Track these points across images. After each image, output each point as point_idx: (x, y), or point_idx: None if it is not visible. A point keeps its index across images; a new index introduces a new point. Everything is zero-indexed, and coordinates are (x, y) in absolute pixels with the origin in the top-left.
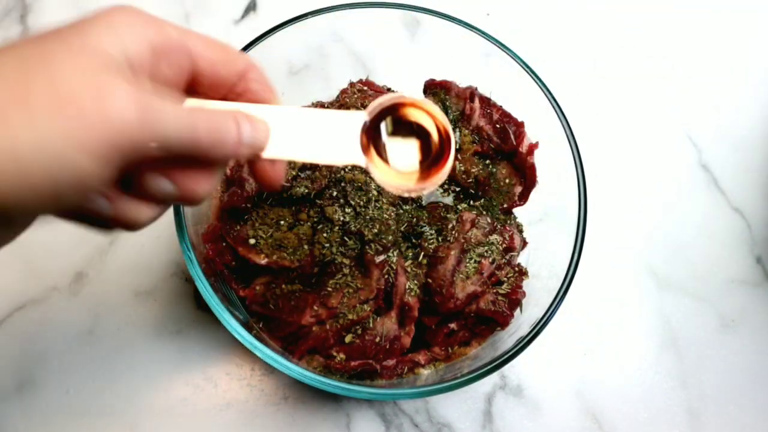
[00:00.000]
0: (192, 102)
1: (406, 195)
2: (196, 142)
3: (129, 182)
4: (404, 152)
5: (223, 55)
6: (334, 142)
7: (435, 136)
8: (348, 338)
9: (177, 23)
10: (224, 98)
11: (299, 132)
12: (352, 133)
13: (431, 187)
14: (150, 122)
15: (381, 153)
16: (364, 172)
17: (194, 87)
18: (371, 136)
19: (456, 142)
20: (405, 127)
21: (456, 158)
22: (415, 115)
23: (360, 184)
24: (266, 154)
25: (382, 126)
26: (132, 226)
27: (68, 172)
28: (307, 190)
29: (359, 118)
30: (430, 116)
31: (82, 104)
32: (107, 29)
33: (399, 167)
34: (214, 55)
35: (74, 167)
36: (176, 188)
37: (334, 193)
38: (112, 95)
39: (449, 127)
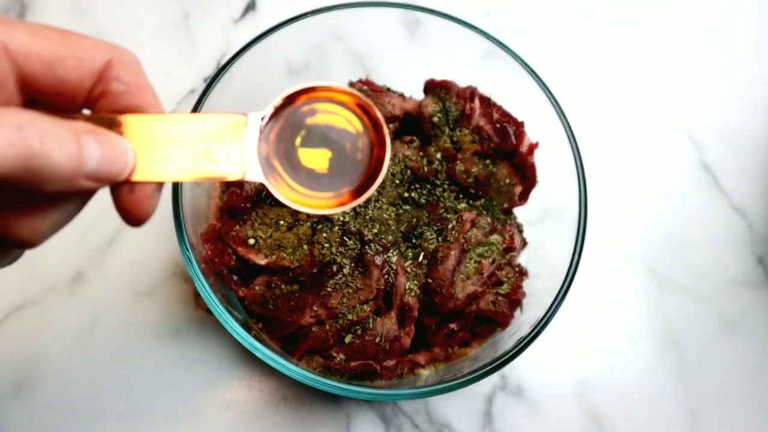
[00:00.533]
0: (19, 117)
1: (320, 213)
2: (6, 173)
3: None
4: (319, 162)
5: (62, 50)
6: (223, 153)
7: (362, 137)
8: (348, 339)
9: (176, 23)
10: (83, 108)
11: (174, 144)
12: (246, 141)
13: (354, 204)
14: None
15: (290, 162)
16: None
17: (34, 98)
18: (277, 141)
19: (390, 142)
20: (319, 130)
21: (456, 158)
22: (332, 112)
23: None
24: (133, 177)
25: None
26: None
27: None
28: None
29: (253, 119)
30: (354, 109)
31: None
32: None
33: (310, 186)
34: (47, 51)
35: None
36: None
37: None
38: None
39: (382, 124)
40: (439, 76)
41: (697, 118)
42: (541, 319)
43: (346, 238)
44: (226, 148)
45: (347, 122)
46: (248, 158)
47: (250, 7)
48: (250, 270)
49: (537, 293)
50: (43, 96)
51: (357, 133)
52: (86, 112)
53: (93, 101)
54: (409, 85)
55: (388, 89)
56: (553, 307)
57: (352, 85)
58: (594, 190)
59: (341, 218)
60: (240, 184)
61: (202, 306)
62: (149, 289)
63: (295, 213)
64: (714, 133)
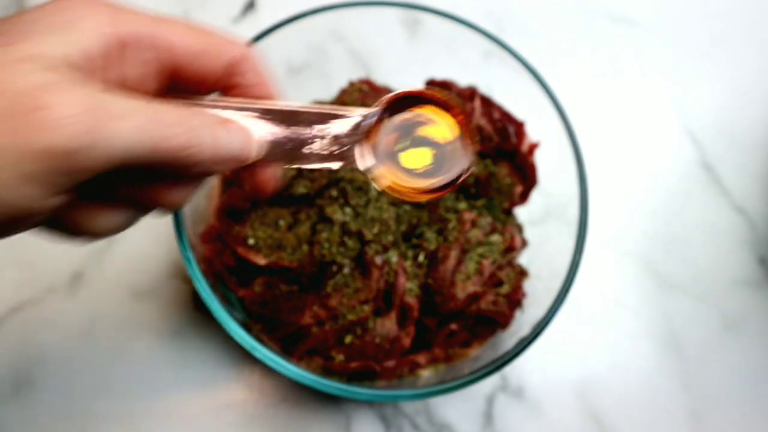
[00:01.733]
0: (158, 107)
1: (419, 200)
2: (159, 157)
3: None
4: (421, 161)
5: (207, 43)
6: (336, 144)
7: (450, 137)
8: (347, 339)
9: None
10: (212, 92)
11: (294, 133)
12: (356, 132)
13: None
14: (99, 136)
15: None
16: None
17: (176, 83)
18: (377, 136)
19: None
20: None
21: None
22: (428, 119)
23: (360, 184)
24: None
25: (388, 125)
26: (94, 236)
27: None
28: (306, 190)
29: (370, 115)
30: (445, 114)
31: (17, 124)
32: (49, 26)
33: (409, 168)
34: (196, 45)
35: (9, 198)
36: (142, 199)
37: (334, 193)
38: (52, 109)
39: (468, 124)
40: (439, 76)
41: (698, 118)
42: (542, 320)
43: (346, 238)
44: (341, 138)
45: (446, 127)
46: (363, 149)
47: (250, 7)
48: (250, 270)
49: (537, 293)
50: (186, 83)
51: (454, 137)
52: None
53: (224, 89)
54: (409, 85)
55: (389, 89)
56: (554, 308)
57: (352, 84)
58: (595, 190)
59: (341, 218)
60: (240, 183)
61: (202, 306)
62: (149, 289)
63: (295, 213)
64: (715, 132)
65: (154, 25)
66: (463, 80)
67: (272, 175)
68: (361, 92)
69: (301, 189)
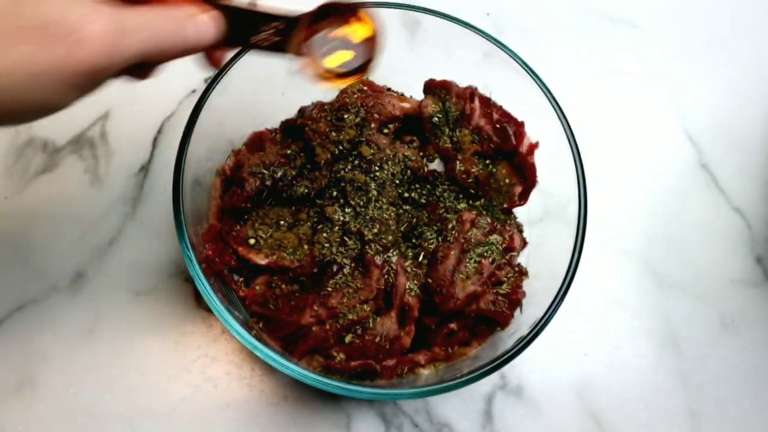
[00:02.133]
0: (153, 19)
1: (337, 83)
2: (161, 53)
3: None
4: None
5: None
6: (276, 35)
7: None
8: (348, 338)
9: None
10: None
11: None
12: (293, 29)
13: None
14: (118, 50)
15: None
16: (365, 172)
17: None
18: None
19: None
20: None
21: (456, 158)
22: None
23: (360, 184)
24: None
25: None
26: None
27: (37, 97)
28: (307, 190)
29: (303, 16)
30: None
31: (68, 47)
32: None
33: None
34: None
35: (55, 100)
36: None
37: (334, 193)
38: (89, 25)
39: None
40: (439, 76)
41: (696, 118)
42: (541, 319)
43: (346, 238)
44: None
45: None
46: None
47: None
48: (251, 270)
49: (537, 293)
50: None
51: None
52: None
53: None
54: (409, 85)
55: (388, 89)
56: (553, 307)
57: (352, 85)
58: (593, 190)
59: (341, 218)
60: (241, 183)
61: (203, 306)
62: (150, 288)
63: (295, 213)
64: (713, 133)
65: None
66: (462, 81)
67: (222, 55)
68: (360, 92)
69: (301, 189)
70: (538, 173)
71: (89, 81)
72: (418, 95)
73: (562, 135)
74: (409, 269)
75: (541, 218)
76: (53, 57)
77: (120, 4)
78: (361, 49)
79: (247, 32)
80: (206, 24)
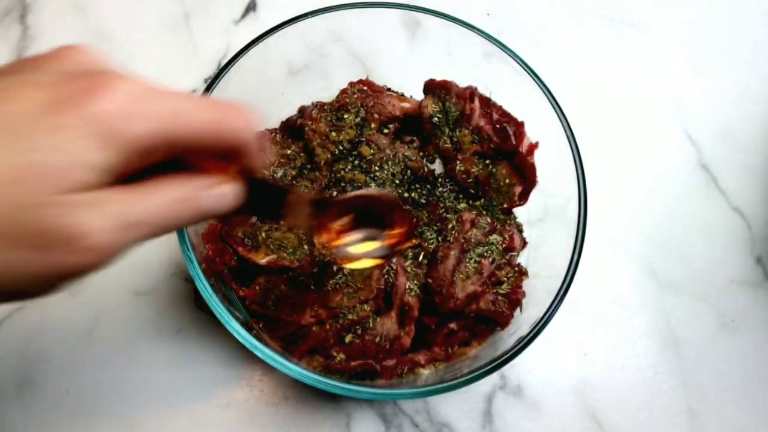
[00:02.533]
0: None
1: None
2: (170, 230)
3: None
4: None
5: (216, 133)
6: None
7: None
8: (348, 338)
9: (176, 23)
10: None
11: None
12: (310, 212)
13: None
14: (124, 242)
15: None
16: (365, 172)
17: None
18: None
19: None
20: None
21: (456, 158)
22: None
23: (360, 184)
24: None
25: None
26: None
27: (15, 290)
28: (307, 190)
29: (320, 202)
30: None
31: (59, 243)
32: (88, 132)
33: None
34: (206, 134)
35: (22, 288)
36: None
37: (334, 193)
38: (91, 234)
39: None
40: (439, 76)
41: (695, 119)
42: (541, 319)
43: None
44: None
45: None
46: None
47: (251, 8)
48: (251, 270)
49: (537, 293)
50: (188, 154)
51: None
52: None
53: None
54: (409, 85)
55: (388, 89)
56: (553, 307)
57: (352, 85)
58: (593, 190)
59: None
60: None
61: (203, 306)
62: (150, 288)
63: None
64: (713, 133)
65: (177, 126)
66: (462, 81)
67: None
68: (360, 93)
69: (301, 189)
70: (538, 173)
71: (76, 280)
72: (418, 95)
73: (562, 135)
74: (409, 269)
75: (541, 218)
76: (44, 263)
77: (135, 187)
78: (386, 240)
79: (270, 204)
80: (225, 195)
